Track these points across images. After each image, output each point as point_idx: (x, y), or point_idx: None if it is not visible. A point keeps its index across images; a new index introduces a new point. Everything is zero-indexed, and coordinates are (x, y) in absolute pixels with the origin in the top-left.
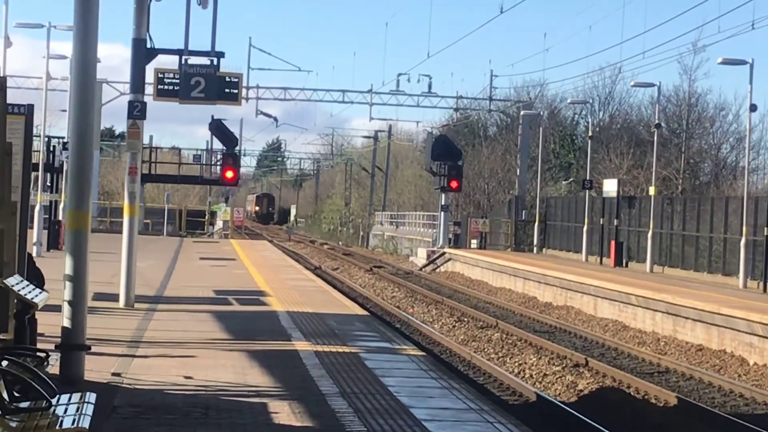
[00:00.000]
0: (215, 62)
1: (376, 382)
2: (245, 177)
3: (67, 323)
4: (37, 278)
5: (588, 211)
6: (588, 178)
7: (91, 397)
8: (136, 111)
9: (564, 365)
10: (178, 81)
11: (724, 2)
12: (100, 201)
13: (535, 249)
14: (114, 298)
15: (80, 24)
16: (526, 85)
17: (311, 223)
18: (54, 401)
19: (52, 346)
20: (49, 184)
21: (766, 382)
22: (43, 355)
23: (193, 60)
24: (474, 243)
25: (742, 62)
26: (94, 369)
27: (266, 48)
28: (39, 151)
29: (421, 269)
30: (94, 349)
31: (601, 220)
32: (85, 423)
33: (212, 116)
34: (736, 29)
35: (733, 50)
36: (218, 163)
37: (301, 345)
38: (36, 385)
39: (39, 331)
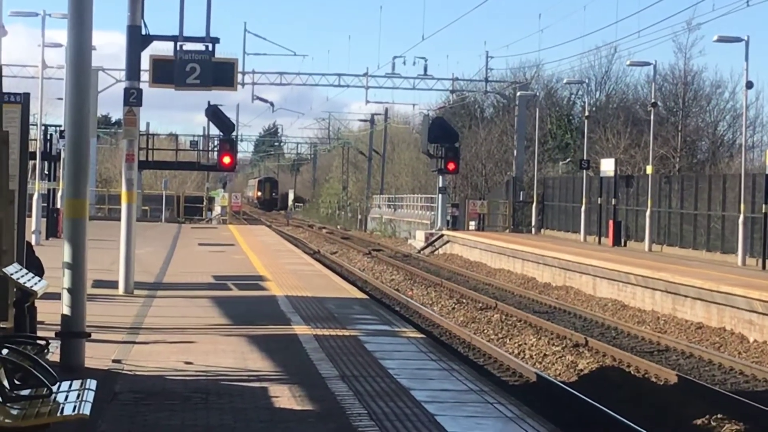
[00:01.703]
0: (210, 48)
1: (376, 365)
2: (242, 162)
3: (66, 311)
4: (36, 266)
5: (586, 191)
6: (585, 158)
7: (92, 383)
8: (132, 98)
9: (564, 345)
10: (173, 67)
11: None
12: (97, 188)
13: (533, 230)
14: (113, 285)
15: (74, 11)
16: (522, 66)
17: (309, 208)
18: (55, 389)
19: (52, 334)
20: (47, 172)
21: (766, 359)
22: (43, 342)
23: (188, 46)
24: (472, 225)
25: (738, 39)
26: (95, 356)
27: (261, 33)
28: (36, 140)
29: (419, 252)
30: (94, 336)
31: (599, 199)
32: (86, 410)
33: (208, 102)
34: (731, 6)
35: (728, 28)
36: (215, 148)
37: (301, 329)
38: (36, 373)
39: (39, 319)
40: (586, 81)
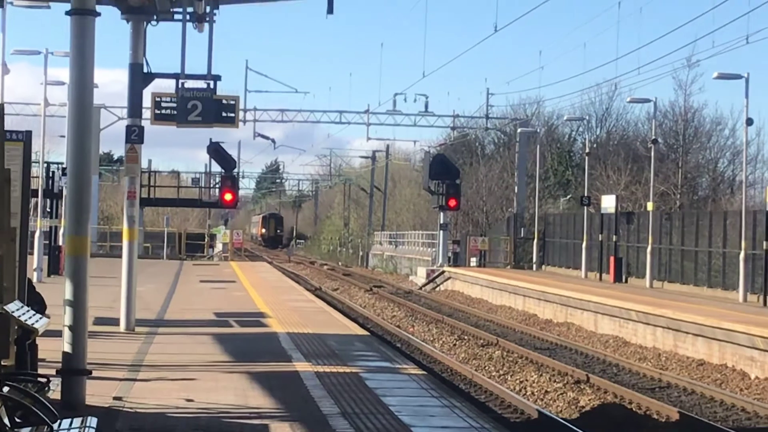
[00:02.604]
0: (212, 85)
1: (378, 402)
2: (244, 199)
3: (67, 348)
4: (37, 303)
5: (587, 228)
6: (586, 195)
7: (93, 421)
8: (134, 135)
9: (565, 382)
10: (175, 105)
11: (718, 16)
12: (99, 226)
13: (534, 266)
14: (115, 322)
15: (76, 49)
16: (523, 102)
17: (310, 244)
18: (55, 426)
19: (53, 371)
20: (48, 209)
21: (767, 395)
22: (44, 380)
23: (190, 83)
24: (473, 261)
25: (738, 76)
26: (96, 393)
27: (263, 70)
28: (38, 177)
29: (420, 288)
30: (95, 373)
31: (600, 236)
32: None
33: (210, 139)
34: (730, 43)
35: (728, 64)
36: (217, 185)
37: (302, 366)
38: (37, 411)
39: (40, 356)
40: (587, 118)
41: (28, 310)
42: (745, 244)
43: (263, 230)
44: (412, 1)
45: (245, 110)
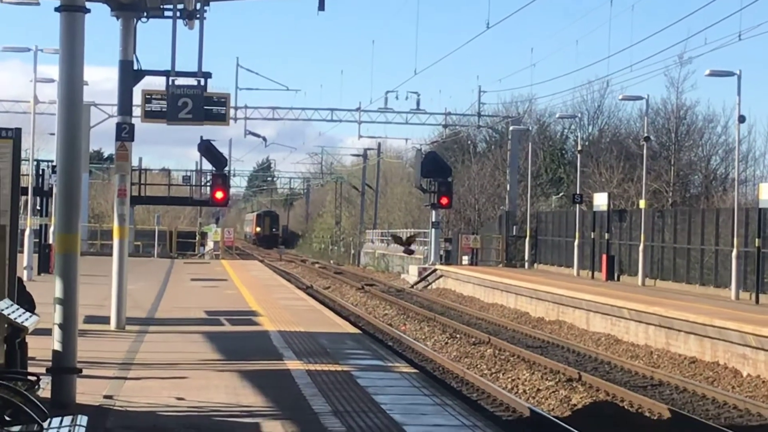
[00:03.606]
0: (202, 83)
1: (369, 400)
2: (235, 197)
3: (57, 346)
4: (27, 302)
5: (579, 226)
6: (578, 193)
7: (83, 420)
8: (124, 133)
9: (557, 380)
10: (165, 102)
11: (710, 14)
12: (89, 224)
13: (526, 264)
14: (105, 320)
15: (65, 47)
16: (515, 100)
17: (302, 243)
18: (45, 425)
19: (43, 370)
20: (38, 207)
21: (759, 393)
22: (34, 378)
23: (180, 81)
24: (465, 259)
25: (730, 74)
26: (86, 392)
27: (254, 68)
28: (28, 175)
29: (412, 286)
30: (85, 371)
31: (592, 234)
32: None
33: (201, 137)
34: (722, 41)
35: (720, 62)
36: (208, 183)
37: (293, 364)
38: (27, 409)
39: (30, 354)
40: (579, 115)
41: (17, 309)
42: (738, 241)
43: (258, 229)
44: None
45: (236, 108)
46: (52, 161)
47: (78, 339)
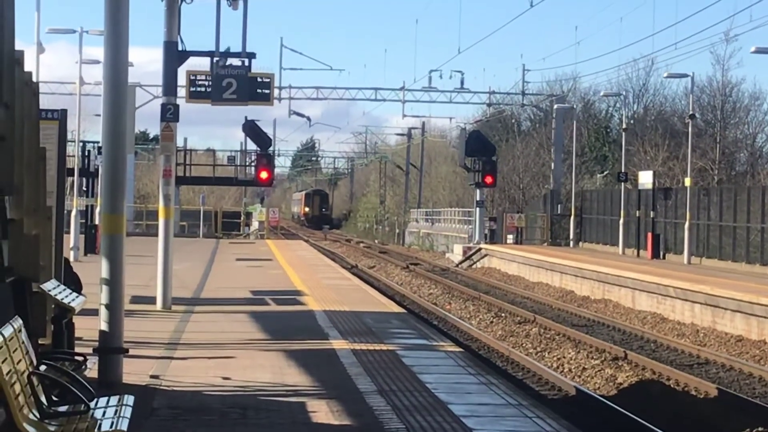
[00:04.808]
0: (246, 63)
1: (414, 379)
2: (280, 177)
3: (104, 326)
4: (74, 282)
5: (624, 204)
6: (623, 171)
7: (129, 399)
8: (169, 113)
9: (603, 359)
10: (210, 83)
11: None
12: (135, 204)
13: (571, 243)
14: (151, 300)
15: (111, 28)
16: (559, 78)
17: (347, 222)
18: (92, 405)
19: (89, 350)
20: (84, 188)
21: None
22: (80, 358)
23: (225, 61)
24: (510, 238)
25: None
26: (132, 372)
27: (298, 48)
28: (74, 156)
29: (457, 266)
30: (132, 351)
31: (637, 212)
32: (124, 426)
33: (245, 117)
34: None
35: (766, 38)
36: (252, 163)
37: (339, 343)
38: (74, 389)
39: (77, 335)
40: (624, 93)
41: (64, 289)
42: None
43: (306, 209)
44: None
45: (280, 88)
46: (97, 142)
47: (124, 319)
